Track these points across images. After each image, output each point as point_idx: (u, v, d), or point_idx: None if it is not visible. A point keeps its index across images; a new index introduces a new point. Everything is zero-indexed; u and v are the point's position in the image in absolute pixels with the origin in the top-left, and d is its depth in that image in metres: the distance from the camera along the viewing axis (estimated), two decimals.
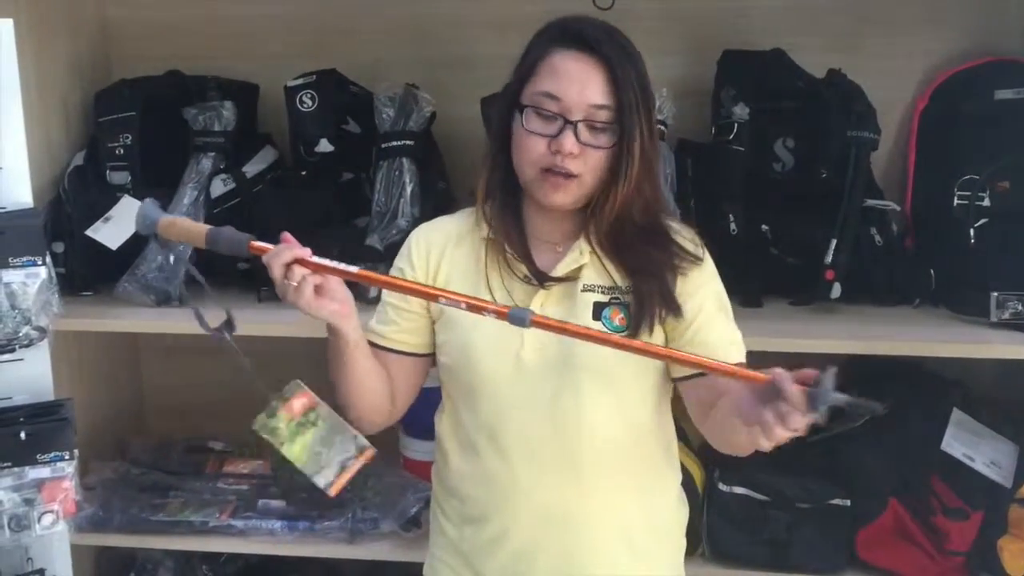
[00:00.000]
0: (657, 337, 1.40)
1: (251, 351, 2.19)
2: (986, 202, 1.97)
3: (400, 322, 1.49)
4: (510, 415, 1.41)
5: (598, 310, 1.40)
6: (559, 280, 1.41)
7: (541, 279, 1.41)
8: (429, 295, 1.36)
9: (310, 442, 1.39)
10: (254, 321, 1.93)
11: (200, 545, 2.07)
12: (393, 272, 1.51)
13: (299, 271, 1.30)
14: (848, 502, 1.88)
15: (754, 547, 1.90)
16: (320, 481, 1.38)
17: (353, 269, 1.33)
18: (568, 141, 1.32)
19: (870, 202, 1.94)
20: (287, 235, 1.34)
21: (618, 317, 1.39)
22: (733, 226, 1.94)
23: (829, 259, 1.87)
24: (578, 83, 1.33)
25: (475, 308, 1.30)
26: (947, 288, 1.93)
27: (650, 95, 1.38)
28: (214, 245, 1.37)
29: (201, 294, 2.03)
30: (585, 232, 1.42)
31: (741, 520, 1.90)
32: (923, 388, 2.00)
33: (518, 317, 1.26)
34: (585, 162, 1.34)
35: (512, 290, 1.42)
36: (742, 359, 1.42)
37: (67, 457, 1.75)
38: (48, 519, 1.74)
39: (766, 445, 1.18)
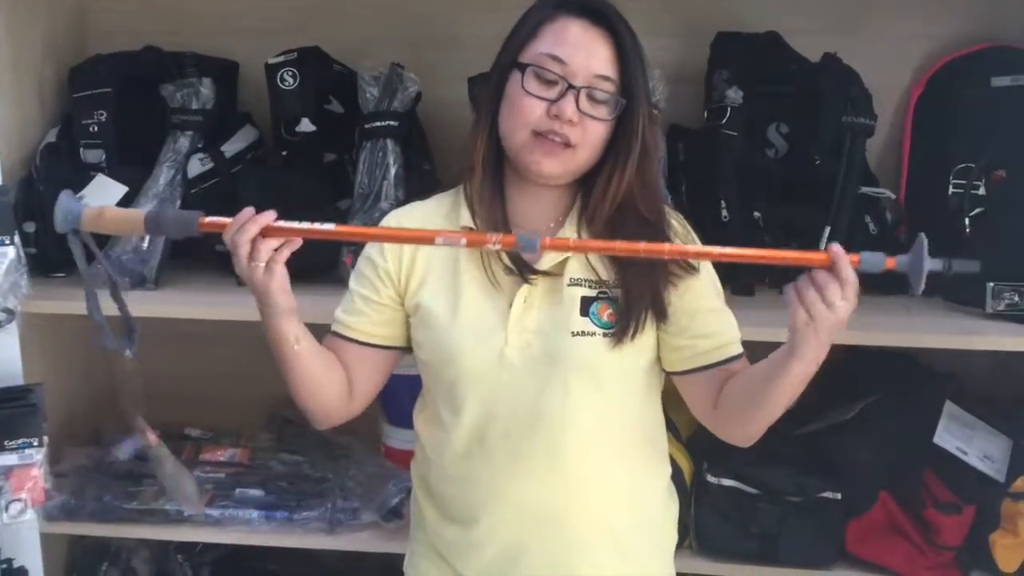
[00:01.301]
0: (647, 337, 1.36)
1: (230, 337, 2.17)
2: (982, 191, 1.93)
3: (370, 313, 1.42)
4: (493, 414, 1.35)
5: (585, 305, 1.34)
6: (543, 274, 1.35)
7: (524, 272, 1.35)
8: (424, 239, 1.27)
9: None
10: (234, 305, 1.88)
11: (176, 535, 2.02)
12: (362, 262, 1.44)
13: (265, 248, 1.21)
14: (839, 495, 1.84)
15: (743, 540, 1.87)
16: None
17: (329, 226, 1.23)
18: (569, 107, 1.27)
19: (865, 189, 1.91)
20: (249, 209, 1.23)
21: (606, 313, 1.34)
22: (725, 212, 1.90)
23: (822, 247, 1.83)
24: (584, 50, 1.29)
25: (477, 243, 1.23)
26: (942, 278, 1.89)
27: (648, 79, 1.33)
28: (156, 230, 1.24)
29: (176, 277, 2.01)
30: (577, 219, 1.36)
31: (730, 513, 1.87)
32: (916, 380, 1.97)
33: (528, 243, 1.20)
34: (583, 133, 1.29)
35: (494, 284, 1.35)
36: (740, 349, 1.39)
37: (36, 444, 1.71)
38: (16, 508, 1.70)
39: (815, 343, 1.17)
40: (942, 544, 1.81)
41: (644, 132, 1.32)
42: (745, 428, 1.36)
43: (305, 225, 1.22)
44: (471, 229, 1.37)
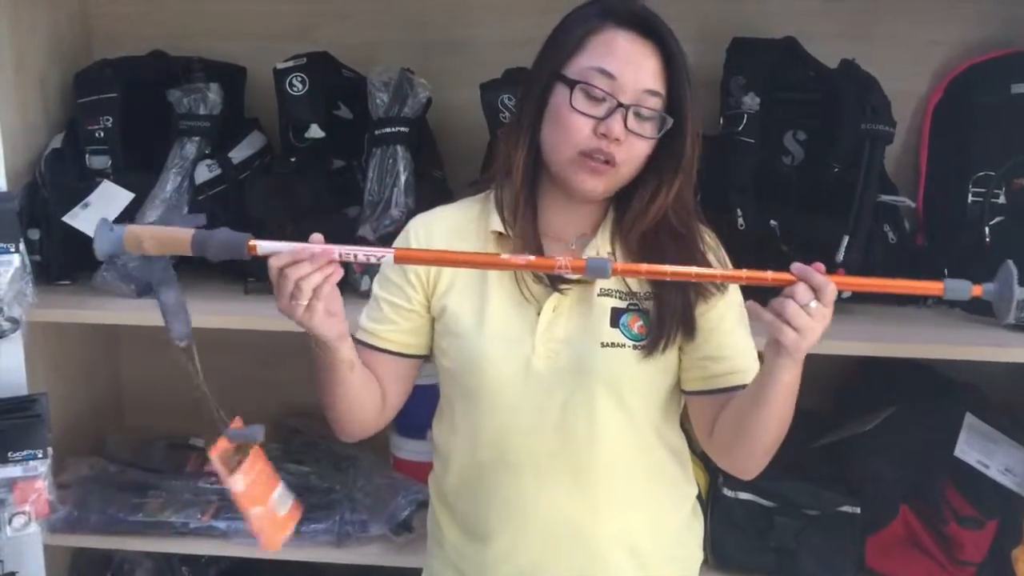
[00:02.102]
0: (671, 354, 1.33)
1: (238, 346, 2.14)
2: (1001, 199, 1.91)
3: (399, 321, 1.38)
4: (518, 425, 1.32)
5: (616, 316, 1.31)
6: (574, 283, 1.32)
7: (555, 281, 1.31)
8: (492, 264, 1.26)
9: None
10: (240, 314, 1.85)
11: (180, 547, 1.99)
12: (389, 267, 1.40)
13: (308, 287, 1.15)
14: (858, 509, 1.81)
15: (760, 555, 1.84)
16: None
17: (389, 255, 1.19)
18: (617, 125, 1.24)
19: (884, 198, 1.87)
20: (310, 247, 1.17)
21: (637, 325, 1.31)
22: (741, 221, 1.87)
23: (840, 257, 1.79)
24: (633, 64, 1.25)
25: (542, 266, 1.21)
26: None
27: (695, 95, 1.29)
28: (202, 251, 1.19)
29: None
30: (611, 232, 1.34)
31: (746, 527, 1.84)
32: (935, 392, 1.94)
33: (598, 268, 1.18)
34: (628, 150, 1.26)
35: (523, 292, 1.32)
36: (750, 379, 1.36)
37: (40, 455, 1.67)
38: (19, 521, 1.66)
39: (785, 357, 1.17)
40: (964, 560, 1.78)
41: (690, 152, 1.29)
42: (736, 458, 1.34)
43: (365, 251, 1.18)
44: (500, 234, 1.34)
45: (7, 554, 1.75)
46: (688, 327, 1.31)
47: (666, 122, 1.27)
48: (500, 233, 1.34)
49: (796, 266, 1.16)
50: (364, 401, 1.35)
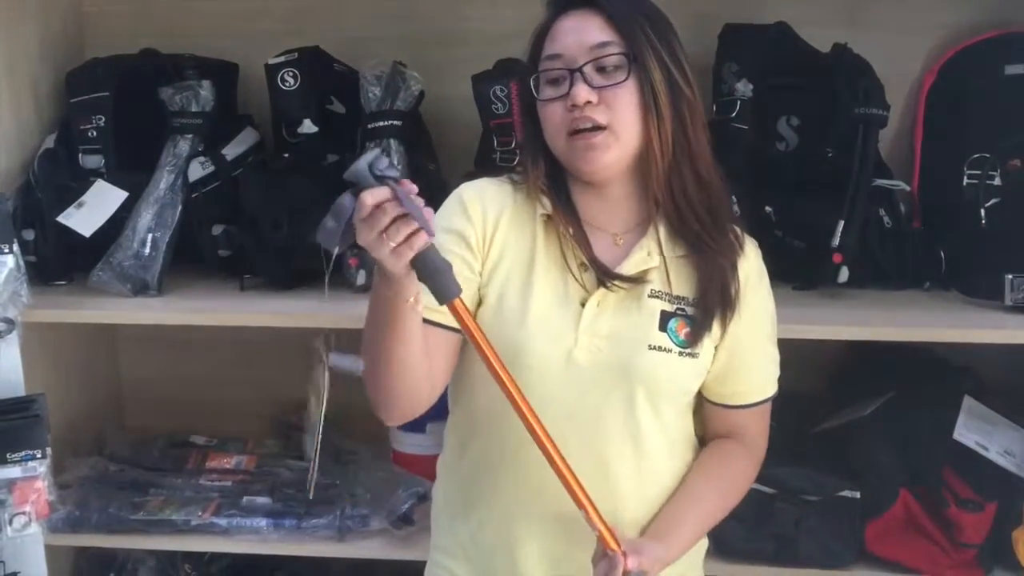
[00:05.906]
0: (708, 358, 1.35)
1: (234, 343, 2.14)
2: (997, 181, 1.90)
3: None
4: (551, 414, 1.26)
5: (664, 320, 1.30)
6: (627, 280, 1.30)
7: (606, 276, 1.30)
8: None
9: None
10: (237, 311, 1.85)
11: (182, 545, 1.98)
12: (446, 238, 1.30)
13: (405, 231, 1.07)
14: (857, 494, 1.80)
15: (760, 541, 1.83)
16: None
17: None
18: (579, 90, 1.24)
19: (879, 182, 1.87)
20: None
21: (684, 331, 1.31)
22: (735, 208, 1.86)
23: (836, 242, 1.79)
24: (574, 33, 1.27)
25: None
26: (958, 271, 1.87)
27: (667, 26, 1.29)
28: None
29: (178, 283, 1.98)
30: (668, 231, 1.33)
31: (746, 513, 1.81)
32: (933, 375, 1.94)
33: None
34: (609, 107, 1.25)
35: (567, 282, 1.31)
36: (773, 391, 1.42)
37: (39, 456, 1.67)
38: (20, 521, 1.66)
39: None
40: (964, 542, 1.77)
41: (669, 82, 1.27)
42: None
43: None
44: (549, 217, 1.32)
45: (8, 555, 1.75)
46: (729, 308, 1.33)
47: (631, 60, 1.26)
48: (549, 216, 1.33)
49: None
50: (417, 365, 1.23)
